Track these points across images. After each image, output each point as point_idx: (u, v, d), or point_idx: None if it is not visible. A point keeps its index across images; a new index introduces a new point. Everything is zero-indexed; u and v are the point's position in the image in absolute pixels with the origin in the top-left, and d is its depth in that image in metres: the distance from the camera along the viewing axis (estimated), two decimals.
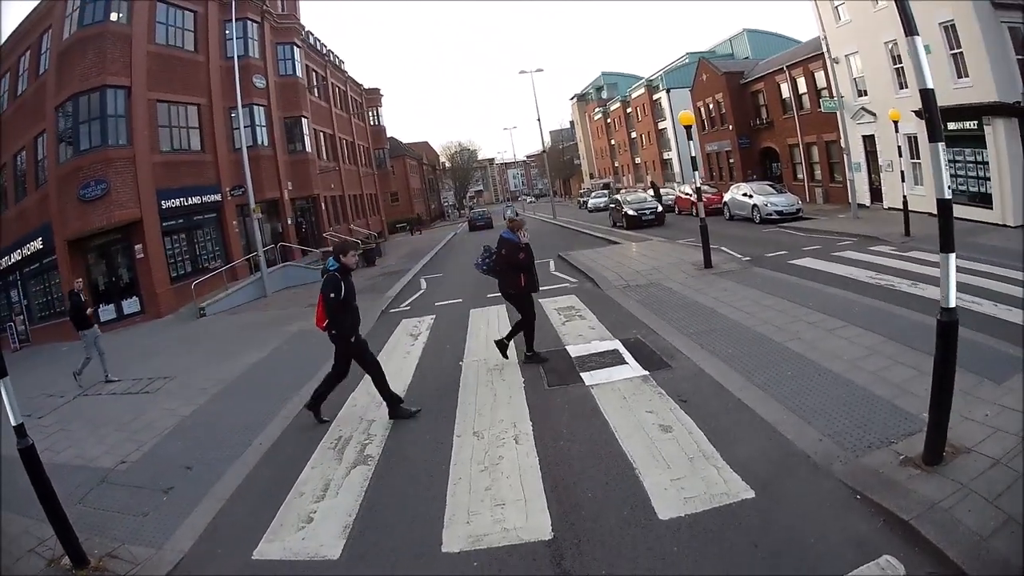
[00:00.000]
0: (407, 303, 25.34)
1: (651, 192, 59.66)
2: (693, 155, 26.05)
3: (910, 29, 7.15)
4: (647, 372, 12.27)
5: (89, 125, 31.39)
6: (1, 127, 35.29)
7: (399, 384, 13.51)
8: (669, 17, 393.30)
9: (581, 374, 12.68)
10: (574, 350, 14.49)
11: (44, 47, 33.95)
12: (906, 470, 7.39)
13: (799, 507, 7.17)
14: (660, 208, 47.58)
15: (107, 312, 32.41)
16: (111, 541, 8.38)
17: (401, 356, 16.47)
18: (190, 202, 36.24)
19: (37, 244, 33.17)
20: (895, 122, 30.59)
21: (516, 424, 10.49)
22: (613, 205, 53.07)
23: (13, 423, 7.59)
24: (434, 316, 21.24)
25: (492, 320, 18.75)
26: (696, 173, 26.39)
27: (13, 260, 35.08)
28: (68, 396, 17.72)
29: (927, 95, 7.13)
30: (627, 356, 13.47)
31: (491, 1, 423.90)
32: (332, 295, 11.21)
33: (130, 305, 32.93)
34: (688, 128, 24.73)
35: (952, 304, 7.19)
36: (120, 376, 18.07)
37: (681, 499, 7.51)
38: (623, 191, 72.72)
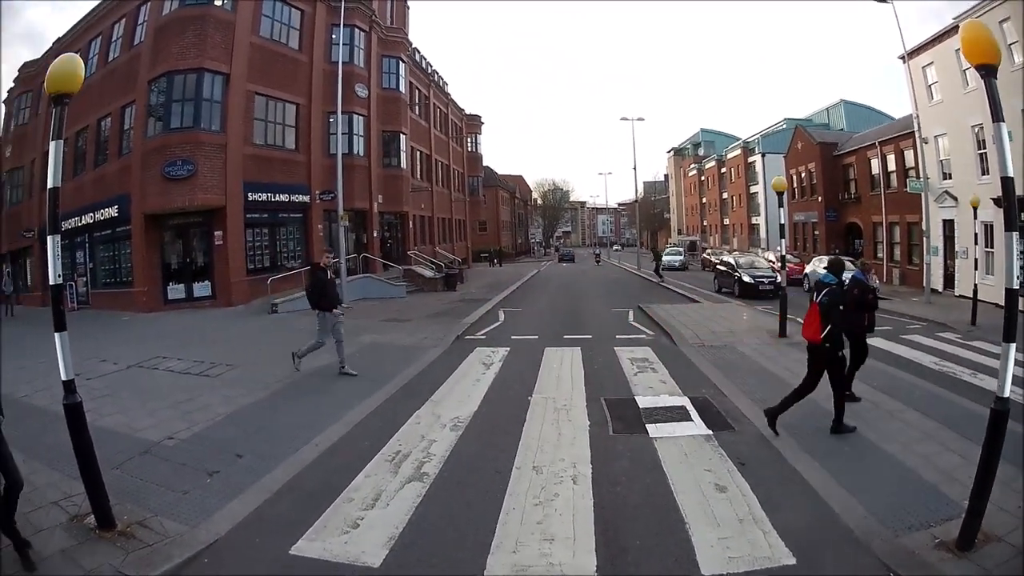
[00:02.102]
0: (483, 332, 25.07)
1: (767, 257, 54.29)
2: (782, 223, 25.58)
3: (997, 115, 7.06)
4: (710, 431, 12.00)
5: (183, 105, 31.71)
6: (85, 91, 35.32)
7: (466, 409, 13.45)
8: (772, 81, 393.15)
9: (647, 425, 12.39)
10: (643, 401, 14.11)
11: (141, 18, 34.61)
12: (939, 553, 7.36)
13: None
14: (780, 278, 41.06)
15: (175, 291, 32.83)
16: (143, 510, 8.23)
17: (471, 383, 16.18)
18: (277, 198, 36.47)
19: (112, 211, 33.64)
20: (974, 208, 30.28)
21: (576, 465, 10.18)
22: (722, 267, 45.79)
23: (64, 377, 7.49)
24: (508, 349, 20.81)
25: (566, 360, 18.32)
26: (783, 241, 25.78)
27: (84, 222, 35.57)
28: (121, 364, 17.75)
29: (1007, 183, 7.08)
30: (693, 413, 13.16)
31: (601, 42, 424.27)
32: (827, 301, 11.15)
33: (201, 289, 33.12)
34: (780, 194, 24.55)
35: (1007, 394, 7.21)
36: (357, 371, 17.16)
37: (725, 557, 7.34)
38: (733, 253, 63.76)
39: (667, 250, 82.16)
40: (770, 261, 47.53)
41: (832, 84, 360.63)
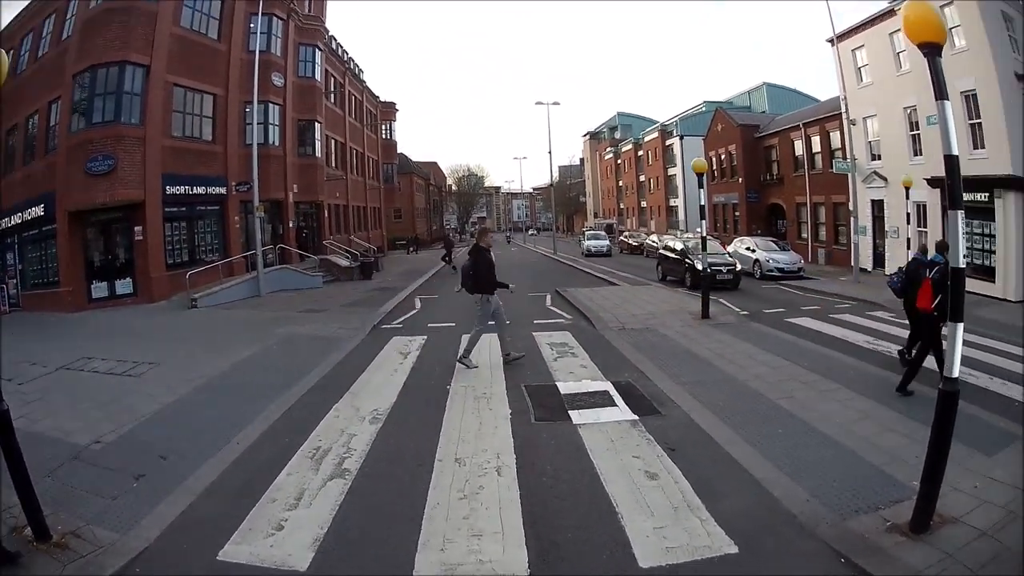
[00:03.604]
0: (400, 320, 25.23)
1: (687, 236, 48.89)
2: (702, 203, 25.66)
3: (941, 93, 7.18)
4: (636, 417, 12.13)
5: (104, 99, 31.24)
6: (17, 88, 35.12)
7: (384, 401, 13.56)
8: (691, 64, 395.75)
9: (569, 412, 12.53)
10: (564, 387, 14.31)
11: (71, 12, 33.75)
12: (892, 537, 7.37)
13: (781, 566, 7.13)
14: (739, 266, 36.26)
15: (99, 289, 32.33)
16: (76, 519, 8.24)
17: (389, 373, 16.29)
18: (195, 191, 36.01)
19: (38, 211, 33.00)
20: (907, 188, 31.19)
21: (500, 455, 10.30)
22: (668, 253, 40.02)
23: None
24: (425, 337, 20.93)
25: (484, 348, 18.12)
26: (703, 222, 25.72)
27: (12, 223, 34.91)
28: (50, 367, 17.53)
29: (951, 162, 7.18)
30: (617, 399, 13.33)
31: (516, 28, 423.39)
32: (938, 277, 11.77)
33: (123, 286, 32.66)
34: (700, 176, 24.82)
35: (955, 374, 7.30)
36: (516, 353, 17.23)
37: (663, 548, 7.35)
38: (681, 235, 56.85)
39: (588, 233, 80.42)
40: (691, 236, 45.48)
41: (754, 68, 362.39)
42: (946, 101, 7.18)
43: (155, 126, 32.70)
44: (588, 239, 72.12)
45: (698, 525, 7.86)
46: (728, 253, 38.35)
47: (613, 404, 13.03)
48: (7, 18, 34.81)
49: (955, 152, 7.12)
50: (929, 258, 14.32)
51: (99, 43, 31.36)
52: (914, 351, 14.55)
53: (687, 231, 69.35)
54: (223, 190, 38.22)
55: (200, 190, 36.50)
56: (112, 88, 31.29)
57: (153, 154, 32.37)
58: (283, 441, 11.29)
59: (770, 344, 18.43)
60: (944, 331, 8.20)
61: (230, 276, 35.98)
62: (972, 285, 29.28)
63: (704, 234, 25.65)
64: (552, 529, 7.91)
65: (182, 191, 34.82)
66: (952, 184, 7.27)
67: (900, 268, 15.58)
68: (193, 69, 35.72)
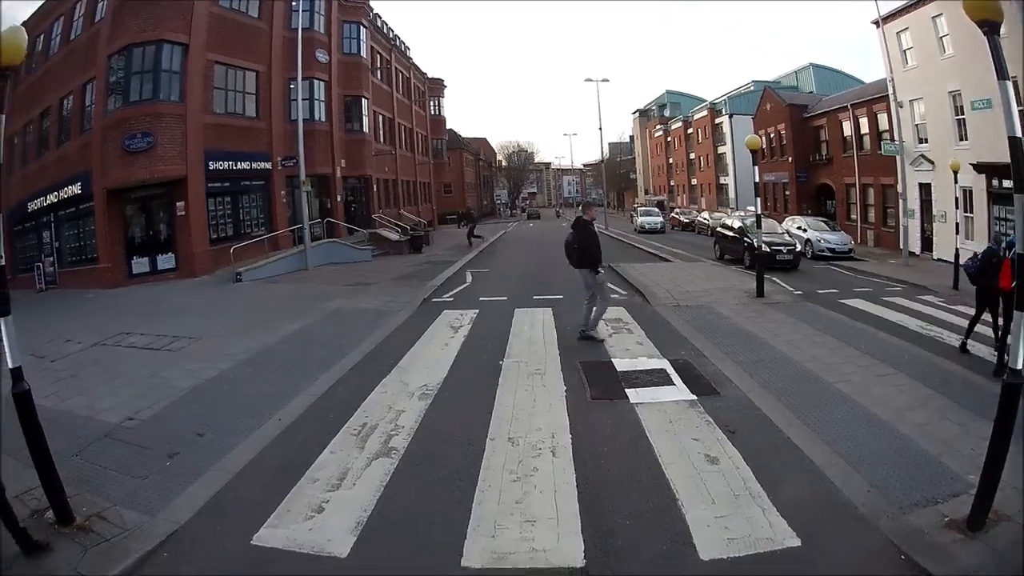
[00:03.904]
0: (450, 294, 24.43)
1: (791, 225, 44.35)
2: (756, 181, 25.00)
3: (1001, 73, 6.73)
4: (695, 396, 11.53)
5: (141, 77, 31.05)
6: (48, 72, 35.60)
7: (434, 376, 13.02)
8: (739, 44, 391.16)
9: (626, 390, 11.90)
10: (620, 364, 13.67)
11: None
12: (950, 534, 6.95)
13: (845, 562, 6.66)
14: (798, 246, 35.32)
15: (140, 265, 32.23)
16: (103, 500, 7.79)
17: (440, 347, 15.72)
18: (239, 167, 35.90)
19: (75, 189, 32.91)
20: (954, 172, 30.21)
21: (555, 435, 9.74)
22: (726, 231, 38.19)
23: (10, 364, 7.00)
24: (477, 311, 20.23)
25: (537, 321, 18.00)
26: (757, 201, 25.26)
27: (49, 202, 35.00)
28: (85, 343, 17.13)
29: (1014, 144, 6.61)
30: (675, 377, 12.70)
31: (566, 3, 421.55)
32: None
33: (165, 261, 32.52)
34: (753, 153, 24.11)
35: (1020, 365, 6.71)
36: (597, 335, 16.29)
37: (724, 539, 6.87)
38: (733, 213, 53.02)
39: (641, 210, 78.75)
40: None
41: (801, 48, 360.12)
42: (1007, 81, 6.73)
43: (196, 103, 32.52)
44: (641, 215, 70.49)
45: (760, 515, 7.38)
46: (788, 233, 37.23)
47: (671, 383, 12.42)
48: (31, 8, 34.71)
49: (1019, 134, 6.58)
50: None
51: (134, 23, 31.09)
52: (998, 332, 14.54)
53: (737, 209, 68.29)
54: (268, 165, 38.09)
55: (244, 165, 36.31)
56: (149, 67, 31.08)
57: (194, 130, 32.18)
58: (327, 417, 10.77)
59: (825, 325, 17.74)
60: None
61: (276, 250, 35.81)
62: None
63: (758, 212, 24.98)
64: (609, 516, 7.39)
65: (225, 167, 34.66)
66: (1017, 167, 6.69)
67: (976, 253, 15.31)
68: (234, 47, 35.55)
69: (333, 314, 20.28)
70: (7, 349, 6.93)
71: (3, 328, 6.91)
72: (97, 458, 9.19)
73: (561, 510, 7.45)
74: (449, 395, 11.82)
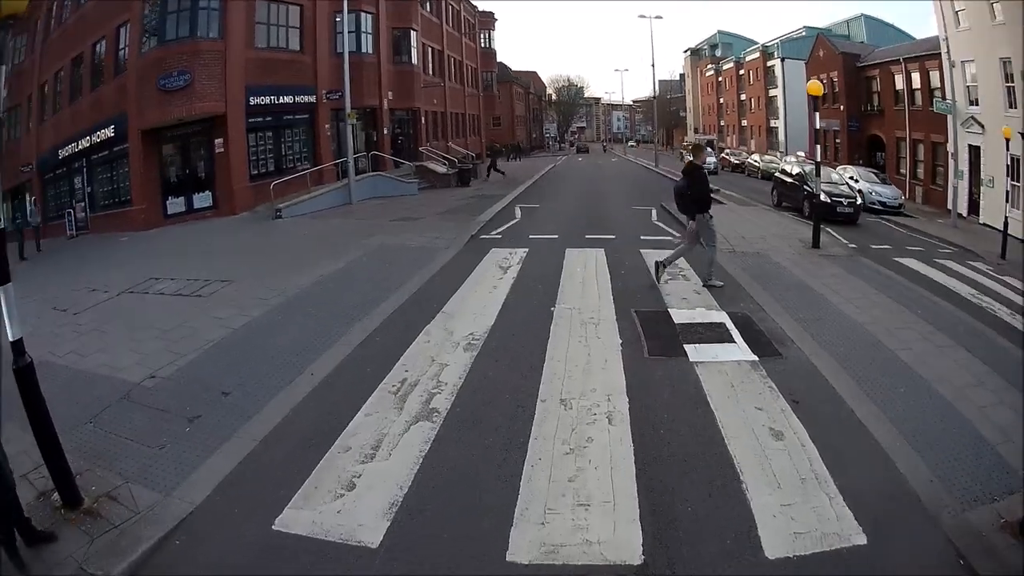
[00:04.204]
0: (498, 231, 23.43)
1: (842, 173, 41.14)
2: (817, 127, 24.04)
3: None
4: (756, 358, 10.78)
5: (178, 16, 30.37)
6: (79, 20, 35.03)
7: (481, 323, 12.23)
8: None
9: (685, 346, 11.15)
10: (677, 315, 12.91)
11: None
12: (1003, 537, 6.37)
13: (909, 564, 6.11)
14: (858, 200, 33.24)
15: (175, 205, 31.81)
16: (114, 476, 7.11)
17: (487, 290, 14.96)
18: (281, 101, 35.21)
19: (109, 132, 32.31)
20: (1006, 140, 29.55)
21: (610, 397, 8.93)
22: (786, 178, 36.36)
23: (11, 337, 6.34)
24: (527, 250, 19.43)
25: (590, 263, 17.19)
26: (817, 148, 23.96)
27: (81, 147, 34.46)
28: (112, 291, 16.43)
29: None
30: (735, 334, 11.94)
31: None
32: None
33: (202, 199, 32.12)
34: (815, 99, 23.63)
35: None
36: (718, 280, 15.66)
37: (791, 533, 6.28)
38: (788, 158, 53.45)
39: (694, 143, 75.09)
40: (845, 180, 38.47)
41: None
42: None
43: (237, 38, 31.85)
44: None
45: (827, 504, 6.76)
46: (847, 184, 35.59)
47: (731, 340, 11.67)
48: None
49: None
50: None
51: None
52: None
53: (787, 153, 67.48)
54: (312, 99, 37.34)
55: (287, 99, 35.67)
56: (187, 5, 30.38)
57: (235, 66, 31.60)
58: (364, 371, 9.99)
59: (882, 284, 16.89)
60: None
61: (319, 184, 35.19)
62: None
63: (818, 160, 23.59)
64: (669, 501, 6.70)
65: (268, 101, 34.06)
66: None
67: None
68: None
69: (376, 252, 19.53)
70: (6, 320, 6.24)
71: (2, 298, 6.17)
72: (113, 425, 8.48)
73: (618, 491, 6.72)
74: (496, 346, 11.02)
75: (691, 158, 16.34)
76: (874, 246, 24.50)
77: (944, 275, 20.47)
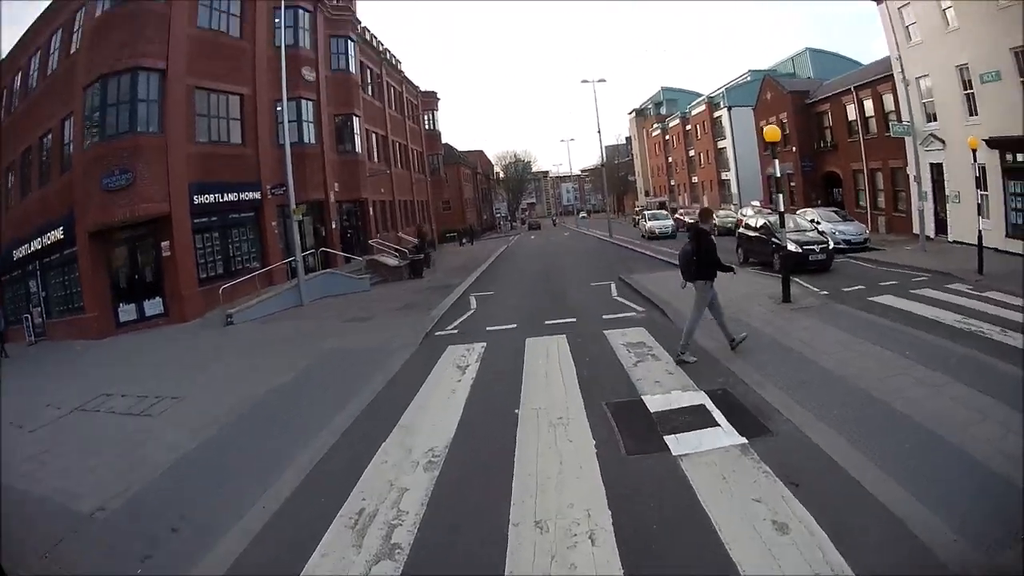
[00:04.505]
0: (455, 325, 22.90)
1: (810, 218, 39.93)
2: (777, 175, 23.61)
3: None
4: (745, 440, 10.01)
5: (118, 109, 29.91)
6: (29, 109, 34.81)
7: (441, 435, 11.39)
8: (731, 35, 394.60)
9: (665, 437, 10.32)
10: (652, 402, 12.09)
11: (77, 24, 32.84)
12: None
13: None
14: (831, 245, 31.52)
15: (127, 313, 31.10)
16: None
17: (446, 395, 14.09)
18: (226, 198, 34.51)
19: (58, 234, 32.07)
20: (973, 150, 29.09)
21: (591, 512, 8.08)
22: (750, 232, 34.80)
23: None
24: (484, 344, 18.77)
25: (552, 352, 16.61)
26: (780, 196, 23.52)
27: (32, 249, 34.16)
28: (65, 408, 16.24)
29: None
30: (717, 415, 11.15)
31: (554, 4, 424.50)
32: None
33: (153, 306, 31.36)
34: (772, 144, 22.78)
35: None
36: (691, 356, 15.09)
37: None
38: (751, 211, 47.76)
39: (649, 213, 73.95)
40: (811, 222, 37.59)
41: (795, 34, 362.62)
42: None
43: (177, 133, 31.36)
44: (650, 220, 67.25)
45: None
46: (817, 229, 34.68)
47: (714, 423, 10.87)
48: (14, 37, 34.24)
49: None
50: None
51: (107, 51, 30.14)
52: None
53: (741, 204, 68.32)
54: (257, 195, 36.79)
55: (232, 197, 35.02)
56: (125, 97, 29.96)
57: (177, 163, 31.04)
58: (319, 502, 9.19)
59: (862, 329, 16.62)
60: None
61: (270, 286, 34.62)
62: None
63: (781, 210, 23.13)
64: None
65: (212, 199, 33.43)
66: None
67: None
68: (216, 70, 34.38)
69: (328, 357, 18.98)
70: None
71: None
72: (66, 558, 8.32)
73: None
74: (459, 462, 10.21)
75: (697, 221, 16.03)
76: (846, 288, 24.12)
77: (924, 306, 20.11)
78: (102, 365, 22.26)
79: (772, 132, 22.70)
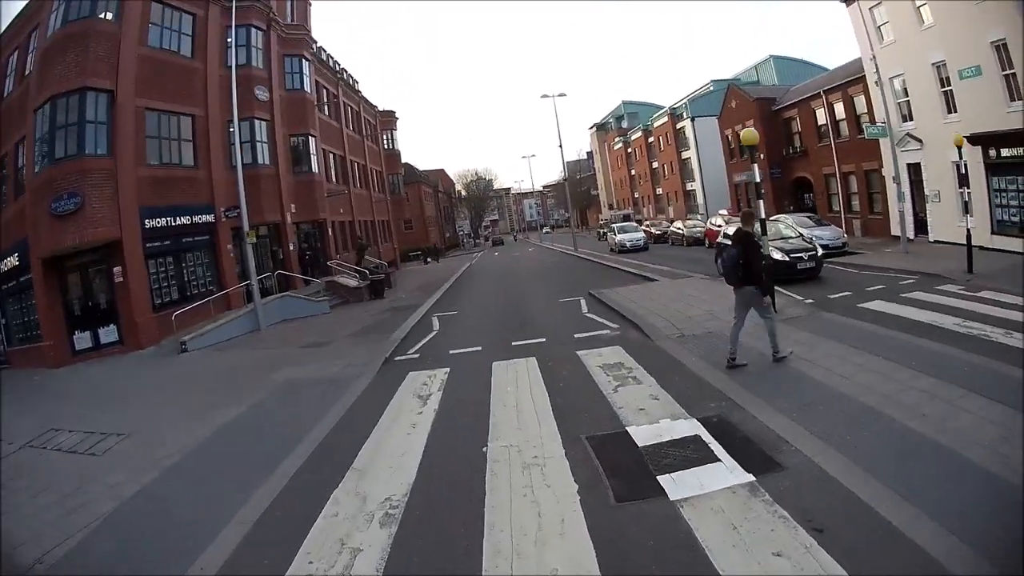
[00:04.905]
0: (416, 348, 21.86)
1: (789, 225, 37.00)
2: (757, 179, 22.55)
3: None
4: (752, 477, 8.71)
5: (66, 131, 29.11)
6: None
7: (400, 480, 10.09)
8: (691, 44, 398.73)
9: (659, 478, 8.98)
10: (639, 434, 10.80)
11: (32, 46, 32.31)
12: None
13: None
14: (819, 251, 30.03)
15: (82, 340, 30.24)
16: None
17: (405, 430, 12.80)
18: (179, 222, 33.69)
19: (14, 260, 31.48)
20: (958, 148, 28.35)
21: None
22: (727, 241, 28.38)
23: None
24: (448, 370, 17.63)
25: (522, 377, 15.55)
26: (760, 203, 22.16)
27: None
28: (15, 443, 15.65)
29: None
30: (716, 448, 9.85)
31: (507, 25, 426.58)
32: None
33: (107, 334, 30.45)
34: (751, 149, 22.27)
35: None
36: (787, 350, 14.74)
37: None
38: (722, 221, 50.68)
39: (618, 226, 70.19)
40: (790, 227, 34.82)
41: (758, 41, 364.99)
42: None
43: (127, 155, 30.51)
44: (619, 232, 64.08)
45: None
46: (803, 235, 32.98)
47: (714, 458, 9.51)
48: None
49: None
50: None
51: (56, 72, 29.43)
52: None
53: (708, 214, 68.04)
54: (211, 218, 35.99)
55: (185, 220, 34.18)
56: (73, 119, 29.16)
57: (127, 186, 30.20)
58: (261, 564, 8.03)
59: (859, 340, 15.62)
60: None
61: (227, 310, 33.81)
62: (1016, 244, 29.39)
63: (762, 217, 21.62)
64: None
65: (164, 223, 32.62)
66: None
67: None
68: (167, 90, 33.65)
69: (281, 389, 17.90)
70: None
71: None
72: None
73: None
74: (420, 514, 8.86)
75: (741, 225, 15.37)
76: (832, 296, 23.35)
77: (918, 310, 19.36)
78: (57, 397, 21.59)
79: (750, 135, 21.73)
